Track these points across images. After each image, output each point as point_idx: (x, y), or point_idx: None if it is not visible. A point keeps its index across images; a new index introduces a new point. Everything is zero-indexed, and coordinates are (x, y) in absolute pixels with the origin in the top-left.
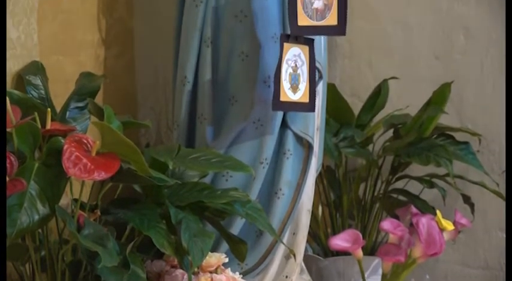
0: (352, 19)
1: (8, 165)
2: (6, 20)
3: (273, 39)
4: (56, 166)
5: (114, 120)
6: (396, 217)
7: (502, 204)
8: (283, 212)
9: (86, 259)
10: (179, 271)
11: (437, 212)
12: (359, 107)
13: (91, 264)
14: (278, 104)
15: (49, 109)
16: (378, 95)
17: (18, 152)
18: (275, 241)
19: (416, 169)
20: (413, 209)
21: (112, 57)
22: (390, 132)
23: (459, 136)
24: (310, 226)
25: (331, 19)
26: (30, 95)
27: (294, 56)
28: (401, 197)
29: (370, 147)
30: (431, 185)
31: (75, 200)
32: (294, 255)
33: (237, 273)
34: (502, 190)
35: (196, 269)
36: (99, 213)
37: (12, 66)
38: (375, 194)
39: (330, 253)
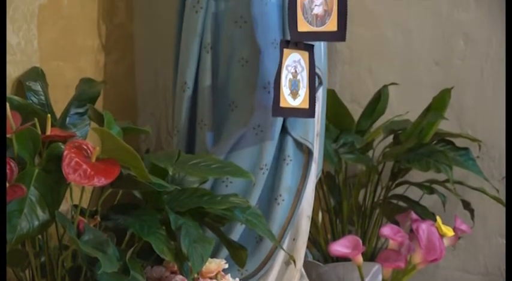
0: (352, 25)
1: (8, 171)
2: (7, 26)
3: (272, 45)
4: (56, 171)
5: (114, 126)
6: (396, 223)
7: (502, 210)
8: (283, 218)
9: (85, 265)
10: (179, 277)
11: (437, 218)
12: (359, 113)
13: (91, 270)
14: (278, 110)
15: (49, 115)
16: (378, 101)
17: (18, 158)
18: (275, 247)
19: (416, 174)
20: (413, 215)
21: (112, 63)
22: (390, 138)
23: (459, 142)
24: (310, 231)
25: (331, 25)
26: (30, 101)
27: (294, 61)
28: (401, 203)
29: (370, 153)
30: (431, 191)
31: (75, 206)
32: (294, 261)
33: (237, 279)
34: (502, 196)
35: (196, 275)
36: (99, 219)
37: (13, 72)
38: (375, 200)
39: (330, 259)
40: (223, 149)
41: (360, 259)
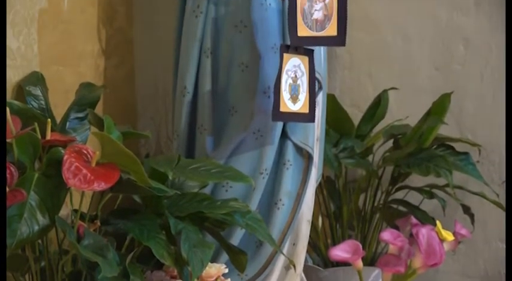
0: (351, 30)
1: (8, 175)
2: (7, 31)
3: (272, 49)
4: (56, 176)
5: (114, 130)
6: (396, 228)
7: (502, 214)
8: (283, 222)
9: (85, 270)
10: None
11: (437, 222)
12: (359, 118)
13: (91, 275)
14: (278, 114)
15: (49, 120)
16: (378, 106)
17: (18, 163)
18: (275, 251)
19: (416, 179)
20: (413, 220)
21: (112, 67)
22: (390, 143)
23: (459, 147)
24: (310, 236)
25: (331, 30)
26: (30, 106)
27: (294, 66)
28: (401, 208)
29: (370, 157)
30: (431, 195)
31: (75, 210)
32: (294, 266)
33: None
34: (502, 200)
35: (196, 280)
36: (99, 223)
37: (13, 76)
38: (375, 204)
39: (330, 263)
40: (223, 153)
41: (360, 263)
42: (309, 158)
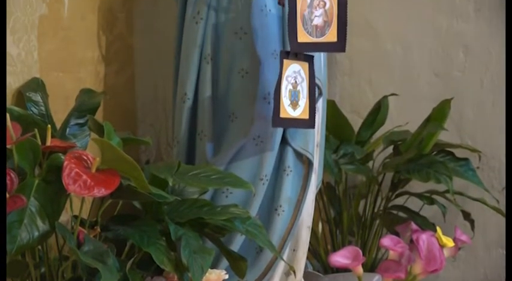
0: (351, 36)
1: (8, 181)
2: (7, 37)
3: (272, 56)
4: (56, 182)
5: (114, 136)
6: (396, 234)
7: (502, 221)
8: (283, 228)
9: (86, 276)
10: None
11: (438, 228)
12: (359, 124)
13: None
14: (278, 120)
15: (49, 126)
16: (378, 112)
17: (19, 169)
18: (275, 257)
19: (416, 185)
20: (414, 226)
21: (112, 74)
22: (390, 149)
23: (459, 153)
24: (310, 242)
25: (331, 36)
26: (31, 112)
27: (294, 72)
28: (401, 214)
29: (370, 163)
30: (431, 201)
31: (75, 216)
32: (294, 272)
33: None
34: (502, 206)
35: None
36: (99, 229)
37: (13, 82)
38: (375, 210)
39: (330, 269)
40: (223, 160)
41: (360, 269)
42: (309, 164)
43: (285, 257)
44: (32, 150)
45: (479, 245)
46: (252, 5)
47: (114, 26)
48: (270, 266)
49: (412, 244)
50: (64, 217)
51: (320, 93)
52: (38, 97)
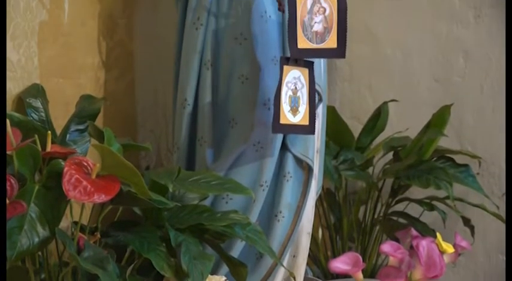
0: (351, 42)
1: (8, 187)
2: (7, 43)
3: (272, 61)
4: (56, 188)
5: (114, 142)
6: (396, 240)
7: (502, 227)
8: (283, 234)
9: None
10: None
11: (438, 234)
12: (359, 130)
13: None
14: (278, 126)
15: (49, 132)
16: (378, 118)
17: (19, 175)
18: (275, 263)
19: (416, 191)
20: (414, 232)
21: (112, 80)
22: (390, 155)
23: (459, 159)
24: (310, 248)
25: (331, 42)
26: (31, 118)
27: (294, 78)
28: (401, 220)
29: (370, 170)
30: (431, 207)
31: (75, 222)
32: (294, 278)
33: None
34: (502, 212)
35: None
36: (99, 236)
37: (13, 88)
38: (375, 216)
39: (330, 275)
40: (223, 165)
41: (360, 275)
42: (309, 170)
43: (285, 263)
44: (32, 156)
45: (479, 251)
46: (252, 11)
47: (114, 32)
48: (270, 272)
49: (412, 250)
50: (64, 223)
51: (320, 99)
52: (38, 103)
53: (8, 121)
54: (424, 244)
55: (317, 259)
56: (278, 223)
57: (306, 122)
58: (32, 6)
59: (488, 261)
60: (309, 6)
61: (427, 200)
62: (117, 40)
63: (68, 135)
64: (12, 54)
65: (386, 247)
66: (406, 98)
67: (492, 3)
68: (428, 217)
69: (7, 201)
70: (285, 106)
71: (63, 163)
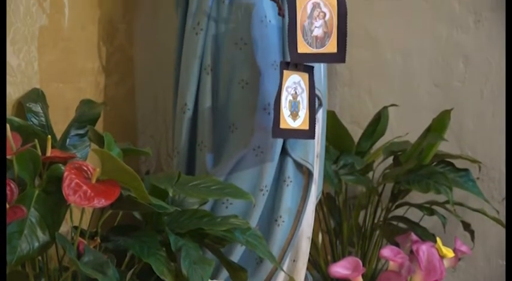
0: (351, 47)
1: (8, 192)
2: (7, 48)
3: (272, 66)
4: (56, 193)
5: (114, 147)
6: (396, 244)
7: (502, 231)
8: (283, 239)
9: None
10: None
11: (438, 239)
12: (359, 134)
13: None
14: (278, 131)
15: (49, 136)
16: (378, 122)
17: (19, 179)
18: (275, 268)
19: (416, 196)
20: (414, 237)
21: (112, 84)
22: (390, 160)
23: (459, 163)
24: (310, 253)
25: (331, 47)
26: (31, 122)
27: (294, 83)
28: (401, 225)
29: (370, 174)
30: (431, 212)
31: (75, 227)
32: None
33: None
34: (502, 217)
35: None
36: (99, 240)
37: (13, 93)
38: (375, 221)
39: (330, 280)
40: (223, 170)
41: (360, 280)
42: (309, 174)
43: (285, 268)
44: (32, 160)
45: (479, 255)
46: (252, 16)
47: (114, 37)
48: (270, 277)
49: (412, 255)
50: (64, 228)
51: (320, 104)
52: (38, 108)
53: (8, 126)
54: (424, 249)
55: (317, 264)
56: (278, 227)
57: (306, 127)
58: (32, 11)
59: (488, 266)
60: (309, 11)
61: (427, 205)
62: (117, 45)
63: (68, 140)
64: (12, 59)
65: (387, 251)
66: (406, 103)
67: (492, 7)
68: (428, 222)
69: (7, 206)
70: (285, 111)
71: (63, 168)
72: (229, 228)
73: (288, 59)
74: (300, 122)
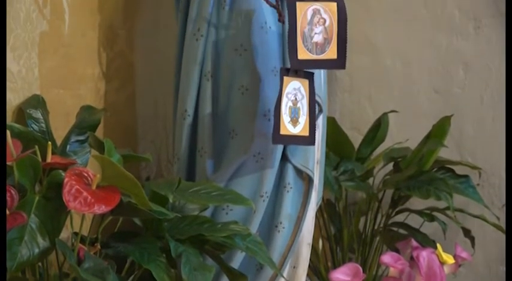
0: (352, 53)
1: (8, 198)
2: (7, 54)
3: (272, 72)
4: (56, 199)
5: (115, 153)
6: (397, 251)
7: (502, 237)
8: (283, 245)
9: None
10: None
11: (438, 245)
12: (359, 141)
13: None
14: (278, 137)
15: (50, 142)
16: (378, 129)
17: (19, 186)
18: (275, 274)
19: (417, 202)
20: (414, 243)
21: (112, 90)
22: (390, 166)
23: (459, 169)
24: (310, 259)
25: (331, 53)
26: (31, 129)
27: (294, 89)
28: (401, 231)
29: (370, 180)
30: (432, 218)
31: (76, 233)
32: None
33: None
34: (503, 223)
35: None
36: (99, 246)
37: (13, 99)
38: (375, 227)
39: None
40: (223, 176)
41: None
42: (309, 181)
43: (285, 274)
44: (33, 167)
45: (480, 262)
46: (252, 22)
47: (114, 43)
48: None
49: (413, 261)
50: (64, 234)
51: (320, 110)
52: (38, 114)
53: (8, 132)
54: (424, 255)
55: (317, 270)
56: (278, 233)
57: (306, 133)
58: (32, 17)
59: (489, 272)
60: (309, 17)
61: (428, 211)
62: (117, 51)
63: (68, 146)
64: (12, 65)
65: (387, 257)
66: (406, 109)
67: (492, 13)
68: (429, 228)
69: (7, 212)
70: (285, 117)
71: (63, 174)
72: (230, 234)
73: (288, 65)
74: (300, 129)
